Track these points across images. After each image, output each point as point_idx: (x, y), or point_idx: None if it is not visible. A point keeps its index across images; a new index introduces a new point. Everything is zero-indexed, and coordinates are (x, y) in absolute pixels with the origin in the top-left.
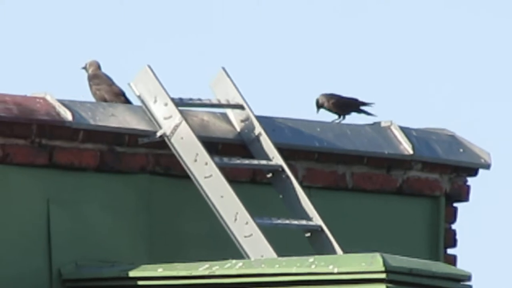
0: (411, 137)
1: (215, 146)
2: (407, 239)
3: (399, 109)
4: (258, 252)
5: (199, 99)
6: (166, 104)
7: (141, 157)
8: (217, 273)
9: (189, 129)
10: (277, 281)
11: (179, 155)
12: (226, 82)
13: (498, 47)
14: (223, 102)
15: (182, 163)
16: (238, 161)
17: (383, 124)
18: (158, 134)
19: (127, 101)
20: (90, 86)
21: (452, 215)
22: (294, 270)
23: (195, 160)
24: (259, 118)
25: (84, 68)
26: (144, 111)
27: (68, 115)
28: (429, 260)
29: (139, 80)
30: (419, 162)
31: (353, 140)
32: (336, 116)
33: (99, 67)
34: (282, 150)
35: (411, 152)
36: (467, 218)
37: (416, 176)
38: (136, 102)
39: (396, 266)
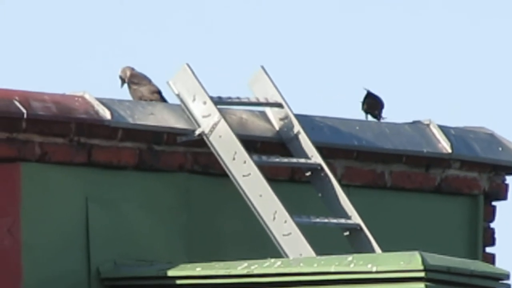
0: (450, 136)
1: (254, 145)
2: (445, 238)
3: (438, 108)
4: (296, 250)
5: (238, 98)
6: (204, 103)
7: (179, 156)
8: (256, 272)
9: (228, 128)
10: (316, 280)
11: (217, 153)
12: (265, 80)
13: None
14: (262, 100)
15: (221, 162)
16: (276, 160)
17: (421, 123)
18: (197, 132)
19: (163, 100)
20: (129, 87)
21: (490, 214)
22: (332, 269)
23: (234, 159)
24: (298, 117)
25: (120, 77)
26: (183, 110)
27: (106, 114)
28: (467, 259)
29: (178, 78)
30: (458, 160)
31: (392, 138)
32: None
33: (133, 69)
34: (321, 149)
35: (449, 150)
36: (506, 217)
37: (454, 175)
38: (173, 100)
39: (435, 264)
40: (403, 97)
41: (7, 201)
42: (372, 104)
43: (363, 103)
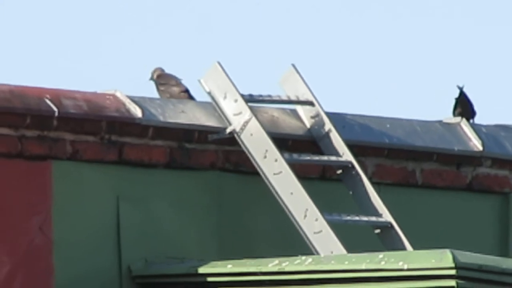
0: (481, 134)
1: (285, 143)
2: (476, 236)
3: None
4: (327, 248)
5: (269, 96)
6: (236, 101)
7: (210, 154)
8: (287, 269)
9: (259, 126)
10: (347, 278)
11: (248, 151)
12: (296, 78)
13: None
14: (293, 98)
15: (252, 160)
16: (307, 158)
17: (452, 121)
18: (228, 130)
19: (191, 99)
20: (157, 88)
21: None
22: (363, 267)
23: (265, 157)
24: (329, 115)
25: (152, 78)
26: (214, 108)
27: (138, 112)
28: (498, 257)
29: (209, 76)
30: (489, 158)
31: (423, 136)
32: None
33: (162, 70)
34: (352, 147)
35: (480, 148)
36: None
37: (485, 173)
38: (201, 99)
39: (466, 262)
40: (433, 94)
41: (38, 199)
42: (465, 111)
43: (456, 107)
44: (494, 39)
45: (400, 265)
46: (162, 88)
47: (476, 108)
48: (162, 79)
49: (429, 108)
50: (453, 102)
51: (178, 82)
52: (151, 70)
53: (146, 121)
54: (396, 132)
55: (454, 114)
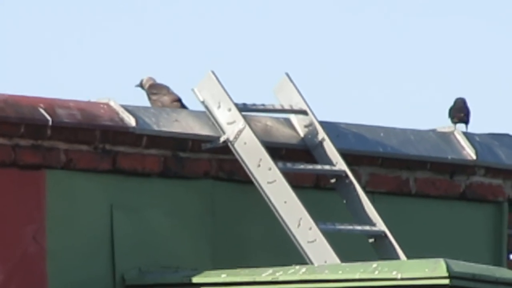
0: (474, 143)
1: (279, 151)
2: (470, 245)
3: None
4: (321, 257)
5: (263, 105)
6: (229, 110)
7: (204, 163)
8: (281, 278)
9: (253, 134)
10: (341, 287)
11: (242, 160)
12: (289, 87)
13: None
14: (287, 107)
15: (246, 168)
16: (301, 166)
17: (446, 130)
18: (222, 139)
19: (183, 107)
20: (149, 97)
21: None
22: (357, 276)
23: (259, 165)
24: (322, 124)
25: (139, 85)
26: (208, 117)
27: (131, 121)
28: (492, 266)
29: (203, 85)
30: (482, 167)
31: (417, 145)
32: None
33: (154, 80)
34: (346, 156)
35: (474, 157)
36: None
37: (479, 182)
38: (193, 108)
39: (460, 271)
40: (427, 103)
41: (32, 208)
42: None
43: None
44: (486, 49)
45: (394, 274)
46: (154, 97)
47: (470, 116)
48: (154, 88)
49: (422, 117)
50: (448, 109)
51: (169, 91)
52: (141, 78)
53: (140, 130)
54: (390, 141)
55: (451, 115)
